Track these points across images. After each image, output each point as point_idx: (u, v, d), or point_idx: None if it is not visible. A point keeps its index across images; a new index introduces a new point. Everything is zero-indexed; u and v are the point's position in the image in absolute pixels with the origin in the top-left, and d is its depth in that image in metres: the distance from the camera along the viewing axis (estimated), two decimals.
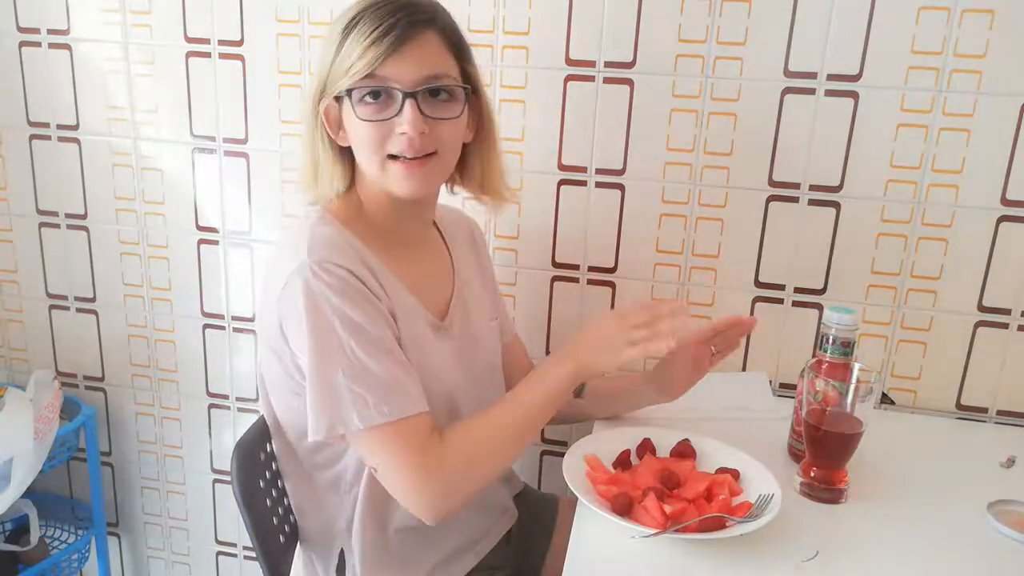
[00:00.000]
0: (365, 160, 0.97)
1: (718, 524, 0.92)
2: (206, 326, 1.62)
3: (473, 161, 1.06)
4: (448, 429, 0.95)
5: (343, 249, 0.94)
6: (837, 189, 1.30)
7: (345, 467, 1.02)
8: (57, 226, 1.63)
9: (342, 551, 1.06)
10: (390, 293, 0.97)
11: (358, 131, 0.95)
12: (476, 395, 1.09)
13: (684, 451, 1.08)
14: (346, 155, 1.01)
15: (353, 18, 0.93)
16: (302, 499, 1.08)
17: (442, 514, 0.93)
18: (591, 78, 1.33)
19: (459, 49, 0.98)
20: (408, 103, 0.92)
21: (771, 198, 1.33)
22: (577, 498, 0.97)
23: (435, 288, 1.09)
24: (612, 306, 1.43)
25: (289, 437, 1.04)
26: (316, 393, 0.90)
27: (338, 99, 0.96)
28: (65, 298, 1.68)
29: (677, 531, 0.90)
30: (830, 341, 1.09)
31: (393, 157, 0.95)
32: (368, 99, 0.93)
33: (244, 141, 1.49)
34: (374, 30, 0.90)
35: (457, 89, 0.97)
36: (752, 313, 1.38)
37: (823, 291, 1.35)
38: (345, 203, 1.03)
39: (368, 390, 0.89)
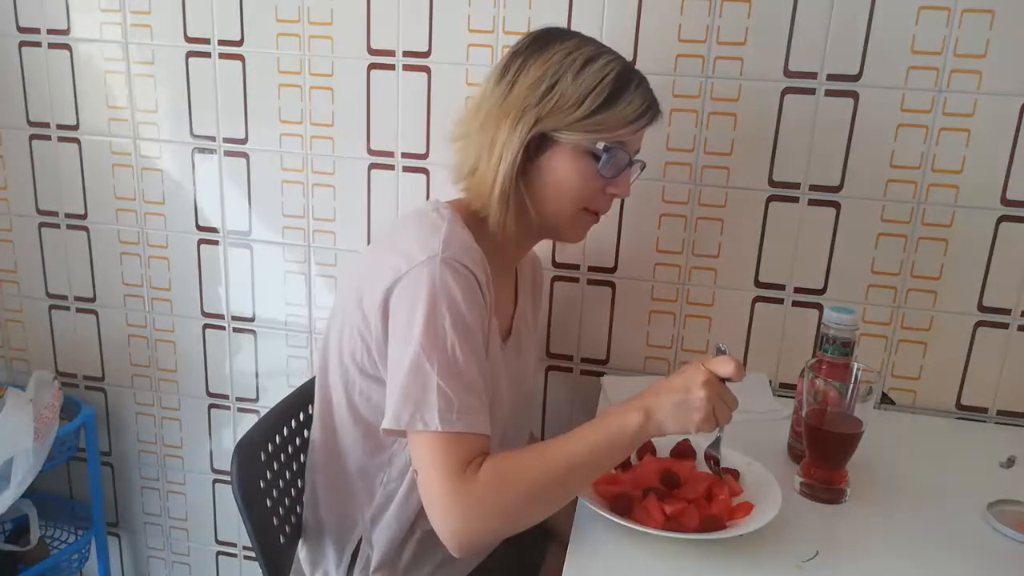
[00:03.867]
0: (562, 203, 1.01)
1: (718, 524, 0.92)
2: (206, 326, 1.62)
3: None
4: (496, 460, 0.88)
5: (474, 255, 0.95)
6: (837, 189, 1.30)
7: (391, 458, 1.03)
8: (57, 226, 1.63)
9: (360, 541, 1.07)
10: (490, 308, 0.99)
11: (575, 177, 0.99)
12: (516, 420, 1.12)
13: (684, 451, 1.08)
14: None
15: (623, 75, 0.97)
16: (326, 488, 1.09)
17: (464, 547, 0.88)
18: None
19: None
20: (627, 172, 1.02)
21: (771, 198, 1.33)
22: (577, 498, 0.96)
23: (502, 311, 1.11)
24: (612, 306, 1.43)
25: (344, 420, 1.04)
26: (407, 382, 0.88)
27: (553, 137, 0.97)
28: (65, 298, 1.68)
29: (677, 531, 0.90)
30: (830, 341, 1.08)
31: (584, 210, 1.03)
32: (609, 156, 0.98)
33: (244, 141, 1.49)
34: (648, 107, 0.99)
35: None
36: (752, 313, 1.38)
37: (823, 291, 1.35)
38: (471, 214, 1.03)
39: (454, 392, 0.88)
